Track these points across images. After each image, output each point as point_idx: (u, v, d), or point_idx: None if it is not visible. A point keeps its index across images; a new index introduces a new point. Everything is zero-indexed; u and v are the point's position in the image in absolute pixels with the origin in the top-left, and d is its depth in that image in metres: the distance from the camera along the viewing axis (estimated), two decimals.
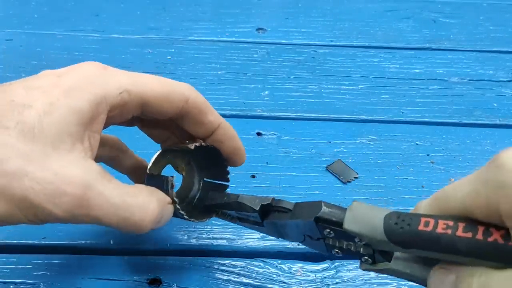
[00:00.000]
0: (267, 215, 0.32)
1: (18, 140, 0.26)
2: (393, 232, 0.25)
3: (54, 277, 0.37)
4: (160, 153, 0.34)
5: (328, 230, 0.29)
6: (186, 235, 0.40)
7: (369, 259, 0.28)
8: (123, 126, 0.35)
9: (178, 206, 0.32)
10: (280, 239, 0.33)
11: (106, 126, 0.30)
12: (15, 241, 0.39)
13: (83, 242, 0.39)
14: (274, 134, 0.51)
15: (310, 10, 0.72)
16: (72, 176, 0.26)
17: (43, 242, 0.39)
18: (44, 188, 0.25)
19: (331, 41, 0.66)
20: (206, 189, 0.37)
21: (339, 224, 0.28)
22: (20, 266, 0.37)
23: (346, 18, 0.71)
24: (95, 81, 0.29)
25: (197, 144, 0.34)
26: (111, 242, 0.39)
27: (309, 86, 0.58)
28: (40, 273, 0.37)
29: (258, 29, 0.67)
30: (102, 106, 0.28)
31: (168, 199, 0.32)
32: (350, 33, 0.68)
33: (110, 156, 0.37)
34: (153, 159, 0.33)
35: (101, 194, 0.27)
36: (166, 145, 0.36)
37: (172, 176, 0.32)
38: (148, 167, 0.33)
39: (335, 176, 0.47)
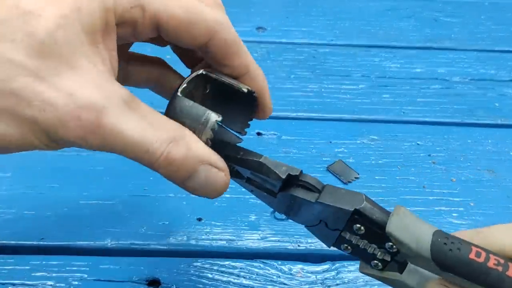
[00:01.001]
0: (286, 188, 0.29)
1: (26, 56, 0.22)
2: (440, 251, 0.24)
3: (53, 278, 0.36)
4: (199, 74, 0.28)
5: (359, 225, 0.27)
6: (185, 236, 0.40)
7: (380, 265, 0.27)
8: (153, 44, 0.31)
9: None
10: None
11: (119, 42, 0.26)
12: (13, 242, 0.39)
13: (81, 242, 0.39)
14: (274, 134, 0.51)
15: (310, 9, 0.72)
16: (88, 99, 0.23)
17: (41, 243, 0.39)
18: (56, 111, 0.22)
19: (332, 40, 0.66)
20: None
21: (379, 225, 0.27)
22: (19, 267, 0.37)
23: (346, 17, 0.70)
24: None
25: (250, 89, 0.29)
26: (110, 243, 0.39)
27: (310, 86, 0.58)
28: (38, 274, 0.36)
29: (258, 28, 0.67)
30: (111, 19, 0.25)
31: (212, 159, 0.26)
32: (351, 32, 0.68)
33: (150, 78, 0.32)
34: (189, 78, 0.28)
35: (117, 122, 0.23)
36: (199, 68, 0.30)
37: (219, 115, 0.27)
38: (181, 87, 0.27)
39: (336, 177, 0.47)
